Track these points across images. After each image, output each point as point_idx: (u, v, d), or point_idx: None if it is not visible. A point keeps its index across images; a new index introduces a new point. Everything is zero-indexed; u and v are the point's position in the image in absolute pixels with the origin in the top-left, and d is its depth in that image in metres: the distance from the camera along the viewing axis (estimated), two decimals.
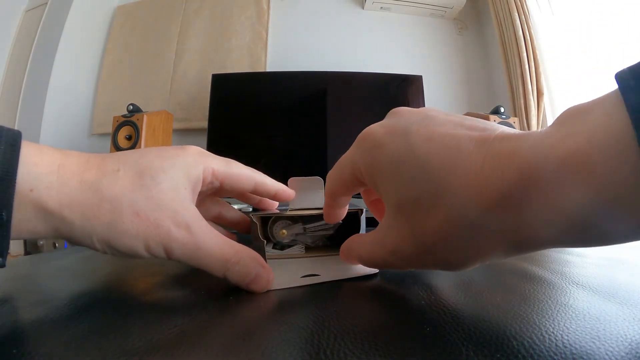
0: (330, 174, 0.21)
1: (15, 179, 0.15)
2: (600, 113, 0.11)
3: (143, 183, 0.18)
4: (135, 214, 0.17)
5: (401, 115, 0.18)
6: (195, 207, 0.20)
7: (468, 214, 0.13)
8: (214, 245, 0.19)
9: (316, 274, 0.22)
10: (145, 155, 0.20)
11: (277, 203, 0.28)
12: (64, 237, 0.17)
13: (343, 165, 0.20)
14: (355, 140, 0.19)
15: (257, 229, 0.23)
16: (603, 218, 0.11)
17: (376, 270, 0.22)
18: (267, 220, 0.26)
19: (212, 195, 0.27)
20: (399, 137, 0.16)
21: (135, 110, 1.55)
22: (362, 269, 0.22)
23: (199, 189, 0.21)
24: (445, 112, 0.17)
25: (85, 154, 0.19)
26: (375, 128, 0.18)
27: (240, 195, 0.26)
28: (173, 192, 0.19)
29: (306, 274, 0.22)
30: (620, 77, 0.11)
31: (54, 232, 0.17)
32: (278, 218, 0.26)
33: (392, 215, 0.17)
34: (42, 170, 0.16)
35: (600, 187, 0.10)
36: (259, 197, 0.26)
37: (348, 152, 0.20)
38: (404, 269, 0.18)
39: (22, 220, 0.16)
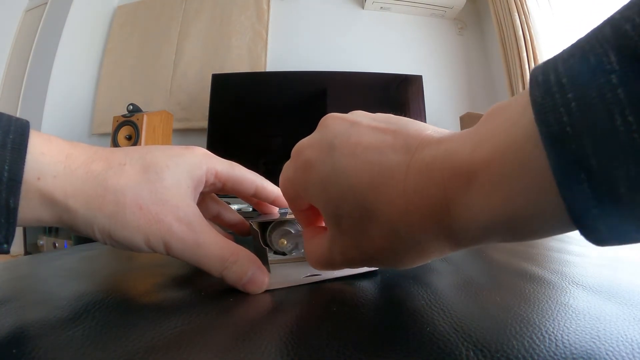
0: (281, 190, 0.20)
1: (23, 168, 0.15)
2: (510, 115, 0.11)
3: (148, 177, 0.19)
4: (138, 207, 0.18)
5: (327, 126, 0.17)
6: (196, 206, 0.20)
7: (398, 230, 0.14)
8: (213, 243, 0.19)
9: (317, 274, 0.22)
10: (152, 152, 0.20)
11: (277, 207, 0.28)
12: (67, 225, 0.18)
13: (285, 184, 0.19)
14: (290, 158, 0.19)
15: (257, 236, 0.23)
16: (516, 224, 0.11)
17: (376, 268, 0.22)
18: (267, 225, 0.26)
19: (212, 195, 0.27)
20: (325, 156, 0.16)
21: (135, 110, 1.55)
22: (362, 268, 0.22)
23: (201, 188, 0.22)
24: (371, 116, 0.17)
25: (93, 146, 0.19)
26: (304, 146, 0.18)
27: (241, 196, 0.26)
28: (176, 189, 0.19)
29: (307, 274, 0.22)
30: (532, 72, 0.10)
31: (58, 221, 0.17)
32: (277, 225, 0.26)
33: (333, 228, 0.17)
34: (49, 160, 0.17)
35: (507, 201, 0.10)
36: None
37: (286, 168, 0.19)
38: (359, 267, 0.18)
39: (28, 207, 0.16)
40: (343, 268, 0.18)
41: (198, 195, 0.22)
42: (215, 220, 0.28)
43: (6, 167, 0.15)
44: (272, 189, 0.25)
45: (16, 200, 0.15)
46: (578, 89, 0.08)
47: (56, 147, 0.17)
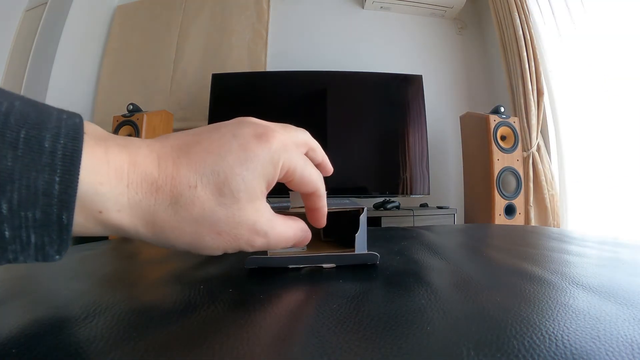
0: None
1: (77, 179, 0.14)
2: None
3: (223, 201, 0.17)
4: (217, 234, 0.18)
5: None
6: (268, 207, 0.20)
7: None
8: (283, 239, 0.20)
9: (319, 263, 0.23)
10: (224, 160, 0.18)
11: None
12: (136, 240, 0.17)
13: None
14: None
15: None
16: None
17: (376, 260, 0.23)
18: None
19: None
20: None
21: (135, 110, 1.55)
22: (362, 258, 0.24)
23: (273, 185, 0.20)
24: None
25: (154, 153, 0.17)
26: None
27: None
28: (251, 204, 0.18)
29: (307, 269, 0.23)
30: None
31: (124, 236, 0.17)
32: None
33: None
34: (109, 192, 0.15)
35: None
36: None
37: None
38: None
39: (85, 227, 0.15)
40: None
41: (269, 191, 0.21)
42: None
43: (57, 179, 0.13)
44: (324, 203, 0.23)
45: (70, 215, 0.14)
46: None
47: (115, 173, 0.15)
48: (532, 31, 1.57)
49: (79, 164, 0.14)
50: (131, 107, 1.55)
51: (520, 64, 1.56)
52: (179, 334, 0.13)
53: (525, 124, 1.55)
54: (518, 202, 1.44)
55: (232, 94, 1.67)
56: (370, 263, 0.24)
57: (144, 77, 1.94)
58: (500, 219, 1.41)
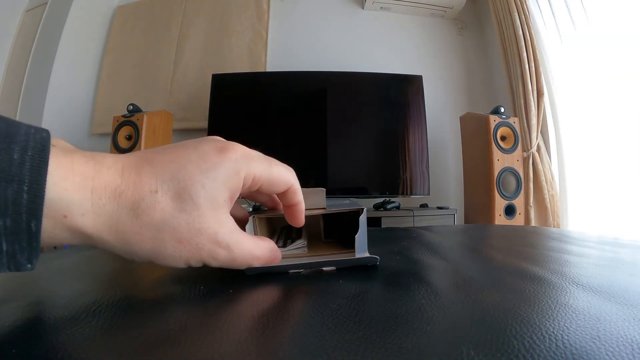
0: None
1: (44, 188, 0.14)
2: None
3: (183, 207, 0.18)
4: (178, 241, 0.18)
5: None
6: (232, 220, 0.20)
7: None
8: (249, 256, 0.20)
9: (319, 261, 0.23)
10: (185, 168, 0.18)
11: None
12: (101, 248, 0.18)
13: None
14: None
15: (256, 230, 0.23)
16: None
17: (376, 262, 0.23)
18: (269, 220, 0.27)
19: None
20: None
21: (135, 110, 1.55)
22: (361, 261, 0.23)
23: (237, 196, 0.21)
24: None
25: (118, 163, 0.17)
26: None
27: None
28: (212, 212, 0.19)
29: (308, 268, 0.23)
30: None
31: (90, 246, 0.17)
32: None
33: None
34: (74, 196, 0.15)
35: None
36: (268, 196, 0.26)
37: None
38: None
39: (53, 234, 0.15)
40: None
41: (233, 203, 0.21)
42: None
43: (25, 188, 0.14)
44: (300, 196, 0.23)
45: (38, 223, 0.14)
46: None
47: (80, 179, 0.16)
48: (532, 32, 1.57)
49: (46, 174, 0.14)
50: (131, 107, 1.55)
51: (520, 64, 1.56)
52: (179, 334, 0.13)
53: (525, 124, 1.55)
54: (518, 203, 1.44)
55: (232, 94, 1.67)
56: (370, 264, 0.24)
57: (144, 77, 1.94)
58: (500, 219, 1.41)
